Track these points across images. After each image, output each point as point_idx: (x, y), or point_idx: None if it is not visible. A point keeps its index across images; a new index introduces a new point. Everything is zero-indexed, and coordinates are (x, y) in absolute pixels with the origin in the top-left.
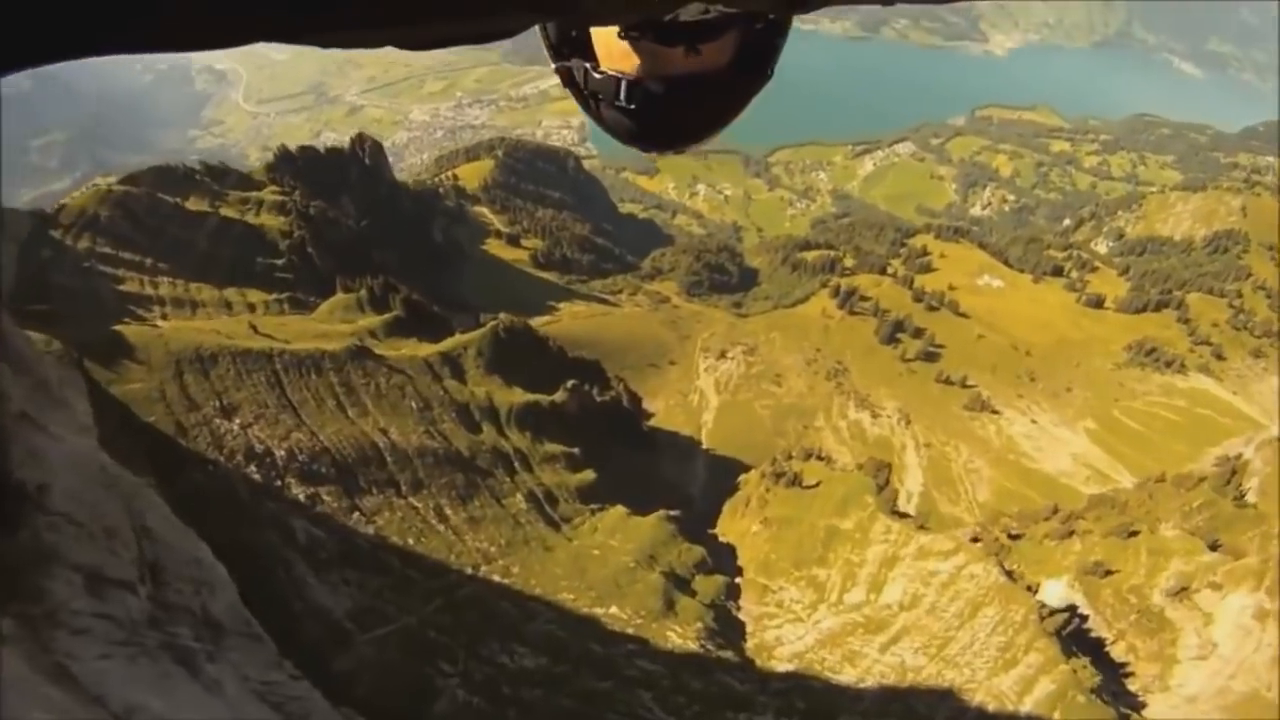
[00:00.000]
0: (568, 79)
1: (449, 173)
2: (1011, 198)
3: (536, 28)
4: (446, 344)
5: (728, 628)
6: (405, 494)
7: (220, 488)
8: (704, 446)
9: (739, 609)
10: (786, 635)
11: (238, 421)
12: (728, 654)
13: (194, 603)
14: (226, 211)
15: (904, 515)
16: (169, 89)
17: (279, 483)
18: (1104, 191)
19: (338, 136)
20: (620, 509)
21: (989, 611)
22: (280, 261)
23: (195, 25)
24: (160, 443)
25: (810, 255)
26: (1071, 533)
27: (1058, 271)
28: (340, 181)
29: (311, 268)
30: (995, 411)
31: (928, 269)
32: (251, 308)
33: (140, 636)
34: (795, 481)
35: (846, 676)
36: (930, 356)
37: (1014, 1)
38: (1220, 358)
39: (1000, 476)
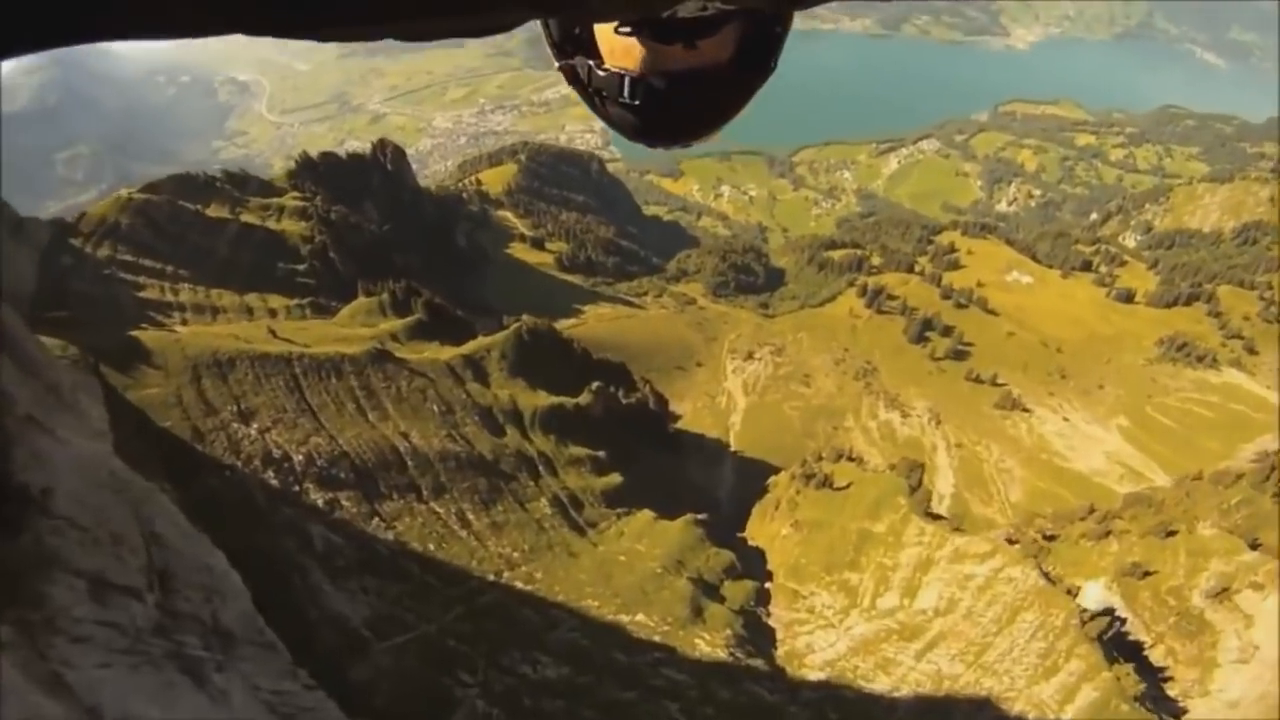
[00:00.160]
0: (572, 77)
1: (472, 178)
2: (1037, 193)
3: (540, 29)
4: (469, 347)
5: (757, 635)
6: (426, 499)
7: (236, 493)
8: (732, 449)
9: (769, 615)
10: (818, 642)
11: (255, 426)
12: (757, 662)
13: (204, 611)
14: (247, 218)
15: (938, 517)
16: (193, 101)
17: (297, 488)
18: (1131, 184)
19: (361, 145)
20: (647, 513)
21: (1028, 616)
22: (302, 267)
23: (191, 10)
24: (176, 448)
25: (836, 254)
26: (1108, 533)
27: (1086, 266)
28: (362, 187)
29: (333, 273)
30: (1026, 410)
31: (955, 266)
32: (273, 313)
33: (145, 645)
34: (826, 483)
35: (880, 685)
36: (960, 355)
37: None
38: (1252, 351)
39: (1033, 476)
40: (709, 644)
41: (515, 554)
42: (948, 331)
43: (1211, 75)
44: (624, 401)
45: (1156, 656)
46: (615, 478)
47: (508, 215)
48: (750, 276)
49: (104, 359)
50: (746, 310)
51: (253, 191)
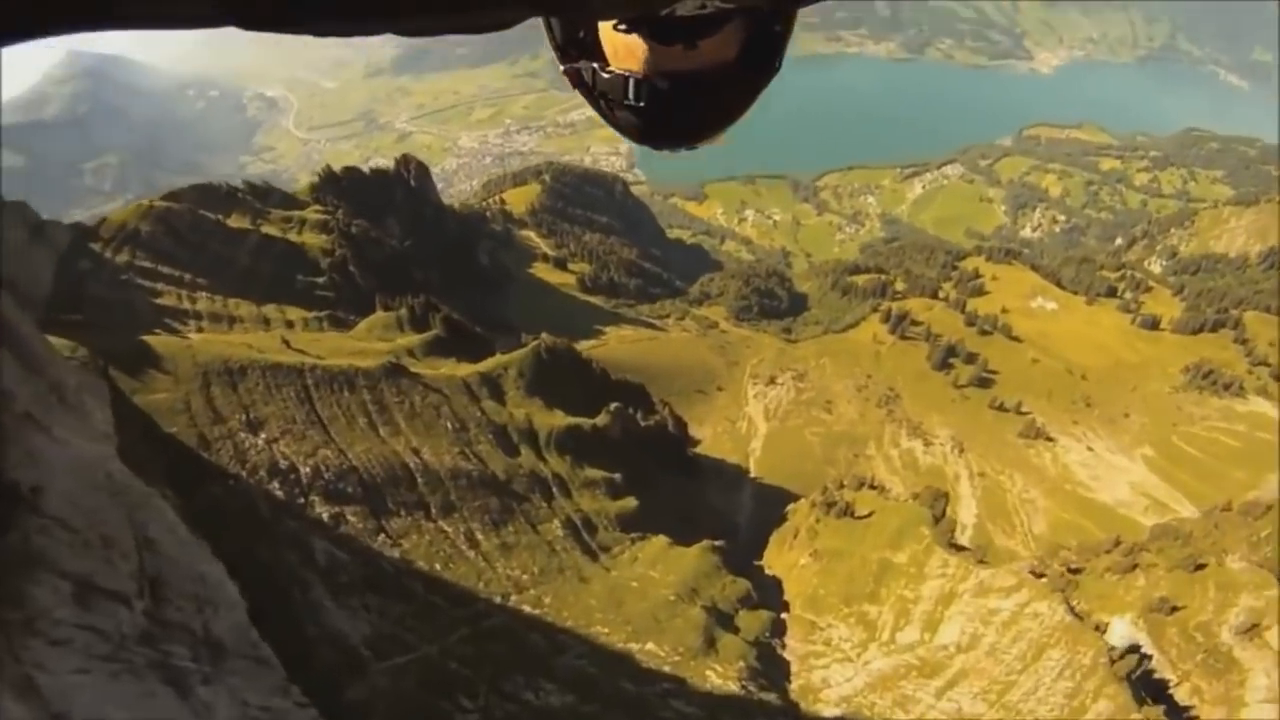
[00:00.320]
0: (577, 80)
1: (496, 197)
2: (1062, 218)
3: (544, 31)
4: (486, 364)
5: (771, 667)
6: (435, 517)
7: (240, 503)
8: (751, 475)
9: (784, 647)
10: (834, 676)
11: (263, 436)
12: (770, 696)
13: (195, 621)
14: (268, 229)
15: (962, 548)
16: (221, 115)
17: (302, 501)
18: (1155, 209)
19: (387, 163)
20: (662, 539)
21: (1054, 654)
22: (321, 280)
23: (190, 1)
24: (181, 454)
25: (860, 279)
26: (1134, 566)
27: (1111, 292)
28: (385, 203)
29: (353, 286)
30: (1050, 439)
31: (980, 292)
32: (290, 324)
33: (128, 652)
34: (847, 511)
35: None
36: (983, 382)
37: (1058, 16)
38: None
39: (1056, 507)
40: (721, 676)
41: (524, 576)
42: (971, 358)
43: (1235, 97)
44: (642, 424)
45: (1182, 695)
46: (630, 501)
47: (531, 235)
48: (773, 301)
49: (113, 362)
50: (769, 335)
51: (275, 203)
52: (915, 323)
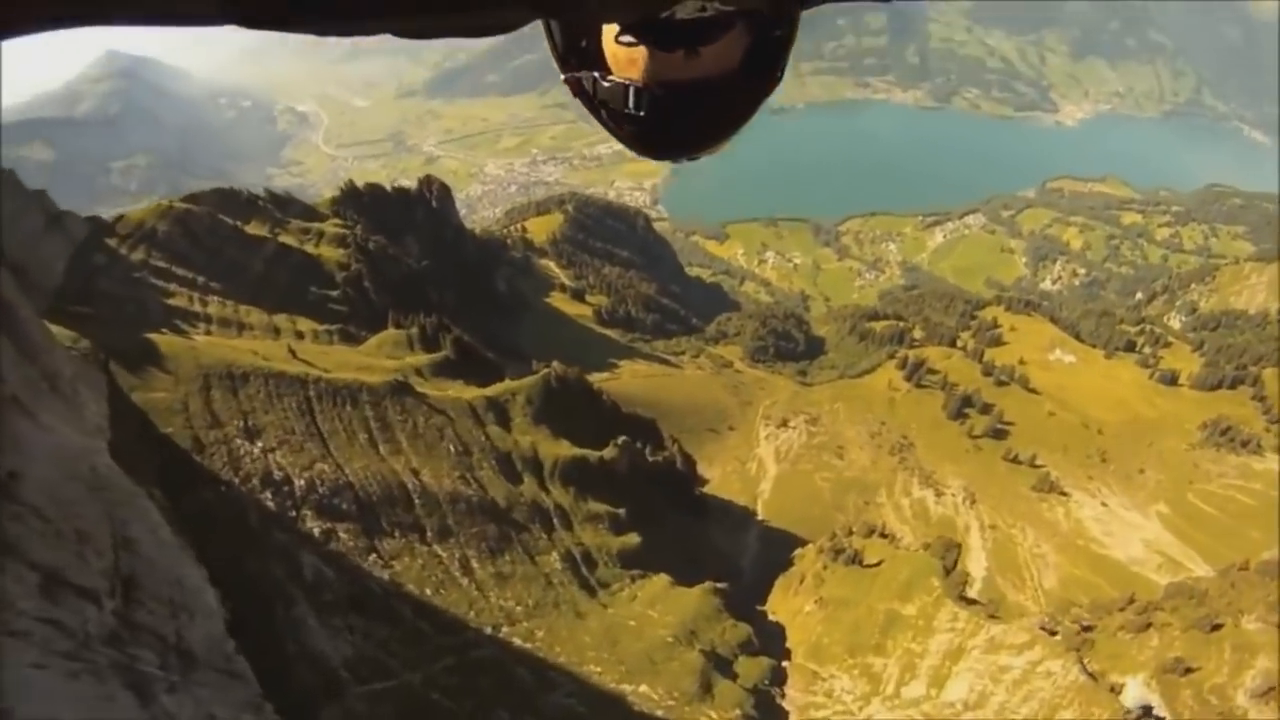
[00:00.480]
0: (577, 88)
1: (518, 224)
2: (1082, 271)
3: (544, 38)
4: (494, 389)
5: (769, 717)
6: (430, 541)
7: (229, 511)
8: (759, 517)
9: (783, 696)
10: None
11: (260, 445)
12: None
13: (167, 626)
14: (286, 239)
15: (973, 602)
16: (251, 126)
17: (294, 513)
18: (1176, 264)
19: (411, 183)
20: (663, 578)
21: (1067, 715)
22: (335, 293)
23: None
24: (175, 456)
25: (878, 325)
26: (1148, 625)
27: (1130, 347)
28: (406, 222)
29: (366, 302)
30: (1064, 493)
31: (998, 342)
32: (300, 335)
33: (91, 651)
34: (855, 559)
35: None
36: (999, 434)
37: (1085, 69)
38: None
39: (1068, 563)
40: None
41: (518, 608)
42: (987, 409)
43: (1258, 153)
44: (650, 459)
45: None
46: (633, 538)
47: (550, 264)
48: (790, 343)
49: (115, 357)
50: (784, 377)
51: (294, 214)
52: (932, 371)
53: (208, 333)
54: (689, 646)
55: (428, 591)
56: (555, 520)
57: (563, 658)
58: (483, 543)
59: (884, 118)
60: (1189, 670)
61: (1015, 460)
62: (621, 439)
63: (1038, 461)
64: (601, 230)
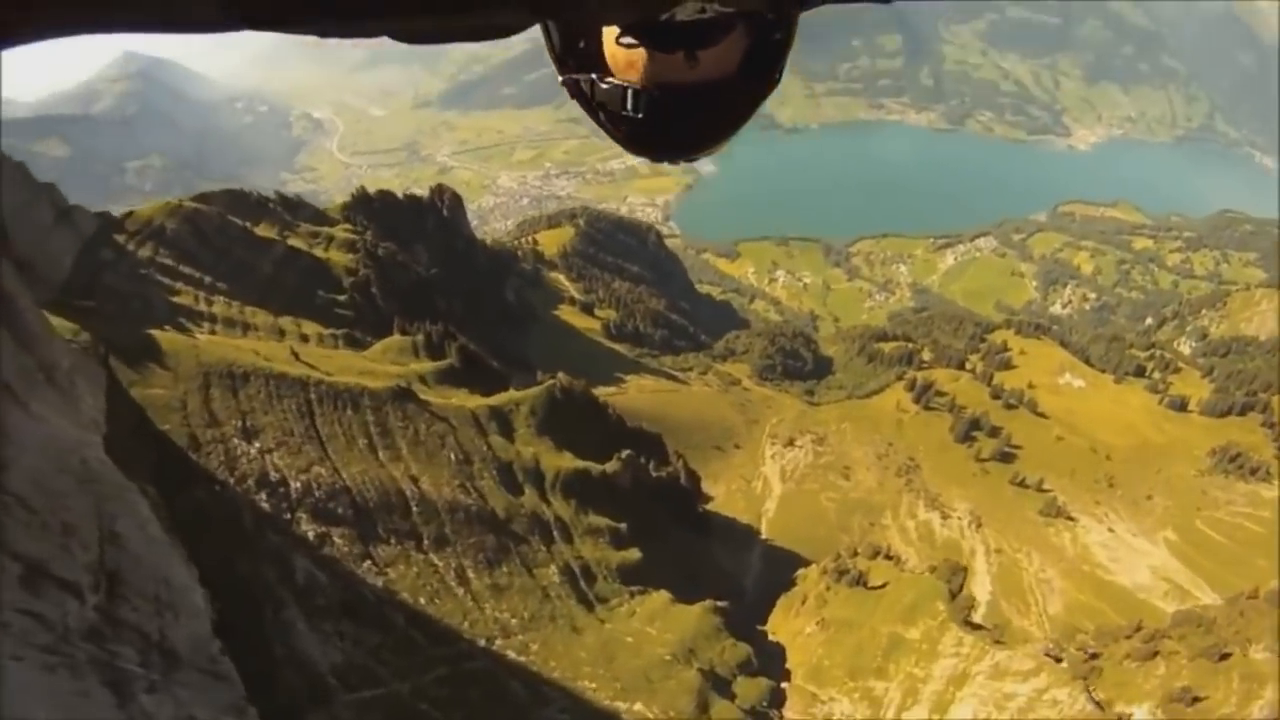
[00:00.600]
0: (575, 90)
1: (529, 236)
2: (1092, 296)
3: (543, 40)
4: (498, 399)
5: None
6: (426, 549)
7: (223, 511)
8: (762, 536)
9: (781, 718)
10: None
11: (257, 445)
12: None
13: (151, 624)
14: (294, 242)
15: (978, 627)
16: (267, 131)
17: (288, 516)
18: (1187, 290)
19: (423, 192)
20: (663, 594)
21: None
22: (342, 298)
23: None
24: (171, 454)
25: (887, 346)
26: (1155, 654)
27: (1140, 372)
28: (416, 229)
29: (373, 308)
30: (1071, 518)
31: (1007, 365)
32: (305, 338)
33: (69, 646)
34: (859, 581)
35: None
36: (1006, 457)
37: (1098, 93)
38: None
39: (1073, 588)
40: None
41: (513, 620)
42: (995, 432)
43: (1270, 179)
44: (654, 475)
45: None
46: (634, 553)
47: (560, 277)
48: (798, 362)
49: (116, 352)
50: (791, 396)
51: (304, 218)
52: (940, 393)
53: (212, 332)
54: (687, 665)
55: (422, 600)
56: (555, 533)
57: (557, 673)
58: (480, 553)
59: (897, 139)
60: (1196, 700)
61: (1022, 484)
62: (625, 453)
63: (1045, 486)
64: (612, 245)
